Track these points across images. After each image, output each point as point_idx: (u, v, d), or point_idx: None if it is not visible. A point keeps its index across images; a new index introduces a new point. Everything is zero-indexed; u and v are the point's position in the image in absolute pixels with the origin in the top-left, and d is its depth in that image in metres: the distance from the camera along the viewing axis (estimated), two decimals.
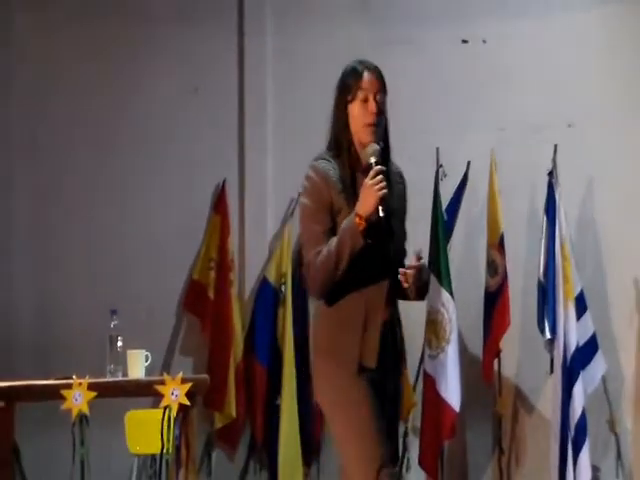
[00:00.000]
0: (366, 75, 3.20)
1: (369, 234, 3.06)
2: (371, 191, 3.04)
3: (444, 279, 5.54)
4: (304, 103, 6.02)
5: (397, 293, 3.20)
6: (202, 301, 5.89)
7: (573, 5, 5.79)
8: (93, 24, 5.96)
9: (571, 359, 5.25)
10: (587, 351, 5.29)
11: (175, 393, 4.14)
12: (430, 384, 5.51)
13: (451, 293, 5.52)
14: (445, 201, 5.68)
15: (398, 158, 5.60)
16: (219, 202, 5.99)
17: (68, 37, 5.90)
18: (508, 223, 5.57)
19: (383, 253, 3.14)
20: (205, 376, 4.45)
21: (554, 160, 5.57)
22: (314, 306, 3.31)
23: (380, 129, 3.19)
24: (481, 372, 5.55)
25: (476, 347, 5.61)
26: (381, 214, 3.04)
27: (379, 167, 3.08)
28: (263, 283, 5.91)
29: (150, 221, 5.93)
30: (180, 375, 4.12)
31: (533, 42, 5.81)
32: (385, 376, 3.17)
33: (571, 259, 5.35)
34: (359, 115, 3.17)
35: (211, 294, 5.87)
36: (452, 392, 5.43)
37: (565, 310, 5.30)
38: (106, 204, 5.93)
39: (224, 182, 5.98)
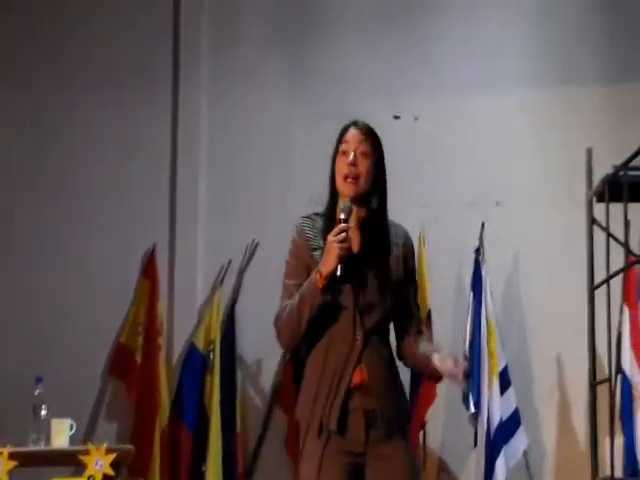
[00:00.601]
0: (351, 130, 3.29)
1: (330, 292, 3.07)
2: (332, 248, 3.06)
3: None
4: (237, 171, 6.10)
5: (374, 358, 3.13)
6: (129, 366, 5.86)
7: (501, 86, 5.97)
8: (30, 87, 6.00)
9: (494, 433, 5.32)
10: (510, 426, 5.36)
11: (99, 463, 4.11)
12: None
13: None
14: None
15: None
16: (149, 266, 6.00)
17: (2, 100, 5.93)
18: (435, 298, 5.65)
19: (352, 314, 3.13)
20: (130, 447, 4.41)
21: (481, 237, 5.70)
22: None
23: (363, 183, 3.21)
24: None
25: None
26: (338, 273, 3.05)
27: (343, 225, 3.08)
28: (191, 349, 5.89)
29: (78, 285, 5.92)
30: (105, 445, 4.09)
31: (463, 120, 5.96)
32: (367, 447, 3.10)
33: (496, 334, 5.44)
34: (339, 168, 3.24)
35: (138, 358, 5.84)
36: None
37: (489, 385, 5.39)
38: (34, 266, 5.92)
39: (154, 247, 6.00)
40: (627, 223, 4.80)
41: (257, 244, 6.02)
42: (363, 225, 3.22)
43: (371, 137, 3.28)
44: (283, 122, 6.10)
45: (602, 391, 4.92)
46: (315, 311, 3.09)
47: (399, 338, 3.27)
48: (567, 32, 6.00)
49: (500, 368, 5.43)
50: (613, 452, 4.71)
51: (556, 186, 5.72)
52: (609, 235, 4.88)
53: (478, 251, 5.65)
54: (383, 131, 5.88)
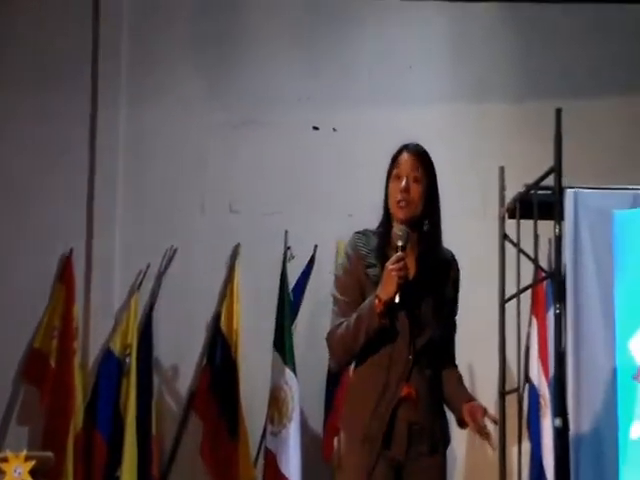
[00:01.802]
0: (404, 154, 3.35)
1: (387, 316, 3.15)
2: (391, 276, 3.13)
3: (288, 358, 5.70)
4: (155, 176, 6.13)
5: (423, 377, 3.23)
6: (43, 370, 5.84)
7: (417, 100, 6.13)
8: None
9: None
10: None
11: (18, 471, 4.10)
12: (271, 460, 5.63)
13: (294, 372, 5.67)
14: (293, 282, 5.86)
15: (247, 238, 5.91)
16: (65, 270, 5.99)
17: None
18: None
19: (407, 336, 3.21)
20: (49, 454, 4.38)
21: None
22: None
23: (414, 209, 3.27)
24: (321, 450, 5.68)
25: (317, 425, 5.76)
26: (397, 300, 3.14)
27: (401, 254, 3.15)
28: (107, 353, 5.90)
29: None
30: (24, 452, 4.08)
31: (381, 132, 6.07)
32: (408, 459, 3.18)
33: None
34: (392, 192, 3.31)
35: (53, 363, 5.83)
36: (292, 468, 5.57)
37: None
38: None
39: (71, 251, 5.98)
40: (537, 240, 4.98)
41: (176, 250, 6.05)
42: (419, 251, 3.29)
43: (424, 161, 3.35)
44: (203, 129, 6.14)
45: (511, 400, 5.10)
46: (371, 334, 3.17)
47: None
48: (483, 51, 6.19)
49: None
50: (520, 459, 4.89)
51: (470, 202, 5.90)
52: (520, 251, 5.05)
53: None
54: (303, 141, 6.08)
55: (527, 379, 5.33)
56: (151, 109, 6.14)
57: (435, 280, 3.29)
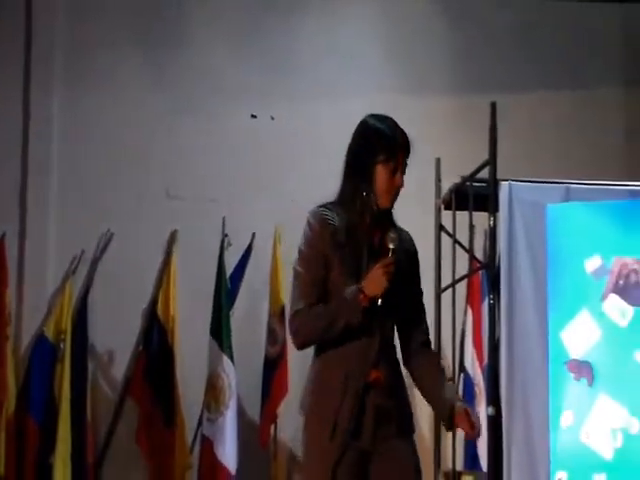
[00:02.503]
0: (402, 147, 3.23)
1: (366, 313, 3.08)
2: (380, 278, 3.07)
3: (225, 345, 5.72)
4: (90, 162, 6.08)
5: (389, 360, 3.16)
6: None
7: (355, 91, 6.17)
8: None
9: None
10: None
11: None
12: (208, 447, 5.66)
13: (232, 359, 5.70)
14: (230, 270, 5.88)
15: (184, 224, 5.91)
16: None
17: None
18: (289, 294, 5.79)
19: (374, 322, 3.14)
20: None
21: None
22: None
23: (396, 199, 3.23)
24: (258, 436, 5.74)
25: (254, 412, 5.80)
26: (379, 303, 3.07)
27: (391, 258, 3.09)
28: (41, 339, 5.86)
29: None
30: None
31: (318, 122, 6.13)
32: (375, 446, 3.11)
33: None
34: (385, 180, 3.20)
35: None
36: (229, 455, 5.60)
37: None
38: None
39: (3, 236, 5.91)
40: (472, 231, 5.07)
41: (112, 235, 6.02)
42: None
43: (409, 153, 3.28)
44: (141, 115, 6.11)
45: None
46: (350, 327, 3.09)
47: (404, 345, 3.29)
48: (422, 44, 6.25)
49: None
50: (455, 446, 4.99)
51: (406, 192, 5.94)
52: (455, 241, 5.13)
53: None
54: (240, 128, 6.08)
55: (462, 368, 5.43)
56: (87, 94, 6.09)
57: (406, 268, 3.21)
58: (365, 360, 3.11)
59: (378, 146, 3.22)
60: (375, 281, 3.08)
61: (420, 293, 3.34)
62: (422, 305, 3.35)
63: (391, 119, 3.28)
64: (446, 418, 3.22)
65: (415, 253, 3.33)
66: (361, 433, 3.09)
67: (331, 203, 3.24)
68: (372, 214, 3.18)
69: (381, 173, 3.21)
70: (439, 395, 3.23)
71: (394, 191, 3.23)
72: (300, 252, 3.21)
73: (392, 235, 3.16)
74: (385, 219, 3.22)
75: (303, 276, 3.18)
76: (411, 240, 3.34)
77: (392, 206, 3.23)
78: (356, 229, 3.16)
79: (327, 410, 3.10)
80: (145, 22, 6.17)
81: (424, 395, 3.28)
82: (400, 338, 3.31)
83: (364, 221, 3.17)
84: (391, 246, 3.14)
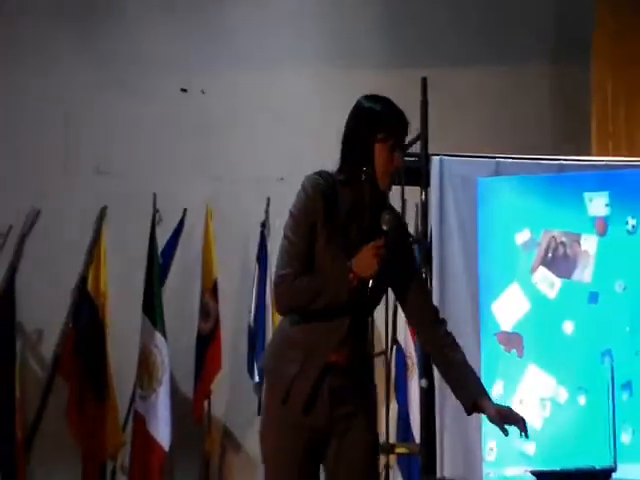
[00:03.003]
0: (403, 127, 3.15)
1: (353, 294, 3.01)
2: (372, 260, 2.99)
3: (158, 321, 5.68)
4: (13, 137, 5.95)
5: (358, 339, 3.09)
6: None
7: (289, 65, 6.16)
8: None
9: None
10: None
11: None
12: (140, 423, 5.63)
13: (164, 335, 5.67)
14: (162, 246, 5.85)
15: (114, 200, 5.85)
16: None
17: None
18: (222, 270, 5.81)
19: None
20: None
21: (267, 212, 5.91)
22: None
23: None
24: (192, 412, 5.73)
25: (188, 388, 5.79)
26: (370, 285, 2.99)
27: (383, 240, 3.00)
28: None
29: None
30: None
31: (250, 97, 6.10)
32: (332, 427, 3.05)
33: None
34: (384, 159, 3.09)
35: None
36: (162, 432, 5.58)
37: None
38: None
39: None
40: (404, 205, 5.10)
41: (39, 211, 5.93)
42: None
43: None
44: (68, 89, 6.00)
45: (379, 362, 5.24)
46: (334, 306, 3.02)
47: (418, 326, 3.23)
48: (352, 18, 6.25)
49: None
50: (388, 419, 5.05)
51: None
52: None
53: (263, 225, 5.86)
54: (171, 103, 6.02)
55: (395, 341, 5.49)
56: (12, 66, 5.96)
57: (398, 251, 3.12)
58: (327, 342, 3.06)
59: (375, 125, 3.12)
60: (366, 262, 3.01)
61: (419, 277, 3.28)
62: (426, 287, 3.31)
63: (387, 99, 3.20)
64: (469, 409, 3.18)
65: (407, 236, 3.26)
66: (315, 413, 3.04)
67: (331, 175, 3.13)
68: (370, 194, 3.08)
69: (380, 152, 3.11)
70: (463, 386, 3.17)
71: (393, 170, 3.12)
72: (291, 215, 3.09)
73: (386, 216, 3.07)
74: (380, 199, 3.13)
75: (291, 240, 3.07)
76: (404, 223, 3.29)
77: (390, 188, 3.14)
78: (350, 208, 3.07)
79: (282, 379, 3.04)
80: None
81: (448, 382, 3.22)
82: (413, 323, 3.28)
83: (361, 200, 3.08)
84: (384, 227, 3.05)
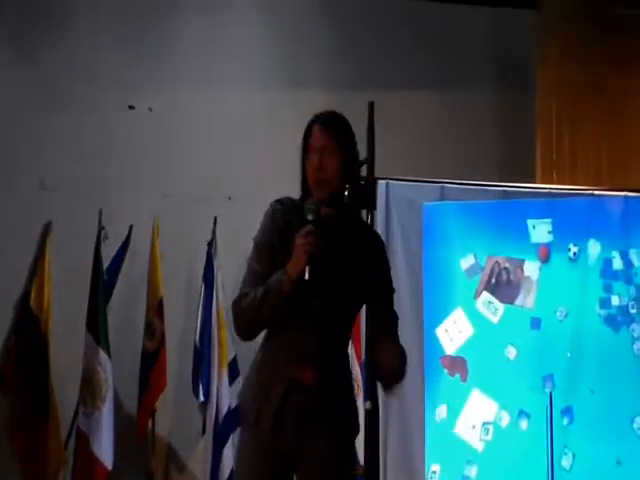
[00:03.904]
0: (315, 128, 3.19)
1: (297, 293, 3.03)
2: (299, 251, 3.02)
3: (102, 339, 5.64)
4: None
5: (327, 357, 3.09)
6: None
7: (235, 84, 6.18)
8: None
9: (222, 422, 5.59)
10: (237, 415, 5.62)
11: None
12: (83, 442, 5.59)
13: (108, 353, 5.64)
14: (107, 263, 5.82)
15: (59, 216, 5.80)
16: None
17: None
18: (168, 288, 5.81)
19: (310, 311, 3.10)
20: None
21: (214, 231, 5.91)
22: None
23: (333, 186, 3.14)
24: (136, 431, 5.72)
25: (131, 406, 5.76)
26: (306, 277, 3.00)
27: (310, 227, 3.03)
28: None
29: None
30: None
31: (198, 115, 6.10)
32: (299, 447, 3.07)
33: (227, 326, 5.66)
34: (308, 169, 3.17)
35: None
36: (105, 450, 5.54)
37: (219, 375, 5.64)
38: None
39: None
40: None
41: None
42: (332, 225, 3.14)
43: (338, 130, 3.18)
44: (12, 103, 5.93)
45: None
46: (279, 310, 3.06)
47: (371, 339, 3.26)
48: (301, 40, 6.29)
49: (230, 359, 5.69)
50: None
51: (282, 189, 5.99)
52: None
53: (210, 244, 5.87)
54: (118, 119, 5.99)
55: None
56: None
57: (352, 257, 3.15)
58: (288, 359, 3.08)
59: (303, 141, 3.23)
60: (295, 258, 3.04)
61: (379, 288, 3.23)
62: (383, 301, 3.27)
63: (325, 112, 3.25)
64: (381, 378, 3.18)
65: (378, 254, 3.25)
66: (283, 435, 3.07)
67: (293, 200, 3.22)
68: (330, 213, 3.12)
69: (309, 169, 3.18)
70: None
71: (319, 179, 3.15)
72: (254, 245, 3.23)
73: (308, 206, 3.10)
74: (342, 216, 3.16)
75: (251, 267, 3.19)
76: (377, 236, 3.32)
77: (328, 194, 3.13)
78: (293, 228, 3.11)
79: (252, 402, 3.12)
80: (22, 9, 5.99)
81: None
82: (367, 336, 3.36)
83: (304, 219, 3.09)
84: (309, 217, 3.07)
